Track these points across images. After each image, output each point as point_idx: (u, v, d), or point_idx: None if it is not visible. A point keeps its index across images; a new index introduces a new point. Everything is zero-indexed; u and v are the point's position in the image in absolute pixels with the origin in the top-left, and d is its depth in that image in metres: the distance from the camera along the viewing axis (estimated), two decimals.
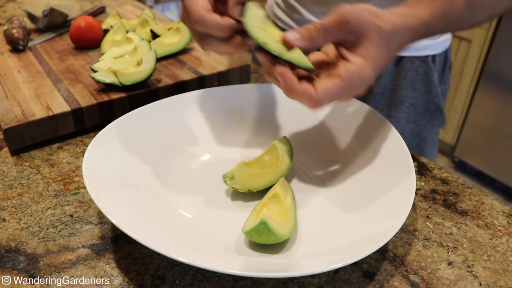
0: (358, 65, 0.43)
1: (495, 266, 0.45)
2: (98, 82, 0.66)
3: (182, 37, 0.83)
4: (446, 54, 0.87)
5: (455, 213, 0.52)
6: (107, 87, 0.68)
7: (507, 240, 0.48)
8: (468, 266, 0.45)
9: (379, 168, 0.51)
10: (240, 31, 0.48)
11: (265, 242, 0.43)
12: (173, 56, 0.82)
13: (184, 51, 0.84)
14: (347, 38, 0.45)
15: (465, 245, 0.47)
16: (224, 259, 0.43)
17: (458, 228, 0.49)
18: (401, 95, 0.84)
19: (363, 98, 0.84)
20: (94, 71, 0.69)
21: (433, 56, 0.84)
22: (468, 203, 0.53)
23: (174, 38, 0.83)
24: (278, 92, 0.65)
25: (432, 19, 0.49)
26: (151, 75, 0.69)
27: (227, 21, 0.47)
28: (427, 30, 0.49)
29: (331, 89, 0.43)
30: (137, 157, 0.53)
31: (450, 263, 0.45)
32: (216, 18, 0.47)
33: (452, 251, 0.46)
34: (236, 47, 0.49)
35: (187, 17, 0.50)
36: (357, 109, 0.59)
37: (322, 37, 0.45)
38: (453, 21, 0.51)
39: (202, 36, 0.49)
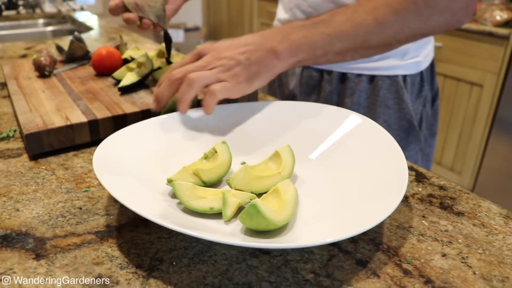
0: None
1: (490, 258, 0.45)
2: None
3: None
4: (421, 76, 0.94)
5: (451, 213, 0.52)
6: None
7: (504, 237, 0.48)
8: (463, 258, 0.45)
9: (373, 160, 0.54)
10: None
11: (256, 227, 0.45)
12: None
13: None
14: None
15: (460, 240, 0.48)
16: (223, 235, 0.45)
17: (454, 226, 0.50)
18: (375, 112, 0.92)
19: None
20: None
21: (404, 76, 0.91)
22: (465, 206, 0.54)
23: None
24: (282, 109, 0.68)
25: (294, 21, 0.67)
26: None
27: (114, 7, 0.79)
28: (288, 25, 0.66)
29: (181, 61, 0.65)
30: (147, 155, 0.57)
31: (444, 255, 0.45)
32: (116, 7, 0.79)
33: (446, 245, 0.47)
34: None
35: None
36: (359, 123, 0.62)
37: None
38: (318, 20, 0.65)
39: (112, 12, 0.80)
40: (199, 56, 0.66)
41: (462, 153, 2.26)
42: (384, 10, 0.64)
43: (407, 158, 0.90)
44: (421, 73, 0.94)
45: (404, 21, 0.65)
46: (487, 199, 0.55)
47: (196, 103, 0.73)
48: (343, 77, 0.94)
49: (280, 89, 1.09)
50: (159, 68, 0.89)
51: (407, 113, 0.92)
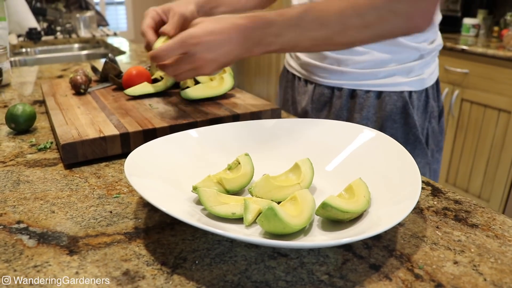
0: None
1: (502, 267, 0.46)
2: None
3: (224, 84, 0.93)
4: (426, 94, 1.00)
5: (465, 225, 0.54)
6: None
7: None
8: (474, 265, 0.46)
9: (387, 170, 0.56)
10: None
11: (273, 230, 0.47)
12: (213, 100, 0.91)
13: (224, 97, 0.93)
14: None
15: (472, 250, 0.49)
16: (245, 234, 0.47)
17: (467, 237, 0.51)
18: (383, 126, 0.98)
19: None
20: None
21: (410, 92, 0.98)
22: (479, 219, 0.55)
23: (216, 85, 0.93)
24: (301, 125, 0.71)
25: (265, 14, 0.73)
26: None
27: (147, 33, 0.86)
28: (265, 20, 0.72)
29: (167, 44, 0.72)
30: (173, 165, 0.60)
31: (456, 262, 0.47)
32: (148, 31, 0.87)
33: (459, 253, 0.48)
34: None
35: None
36: (373, 137, 0.64)
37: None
38: (293, 23, 0.72)
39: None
40: (185, 50, 0.72)
41: (490, 180, 2.23)
42: (349, 13, 0.71)
43: None
44: (426, 90, 1.00)
45: (365, 23, 0.72)
46: None
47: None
48: (353, 93, 1.00)
49: (293, 107, 1.15)
50: (187, 87, 0.94)
51: (413, 127, 0.97)
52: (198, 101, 0.90)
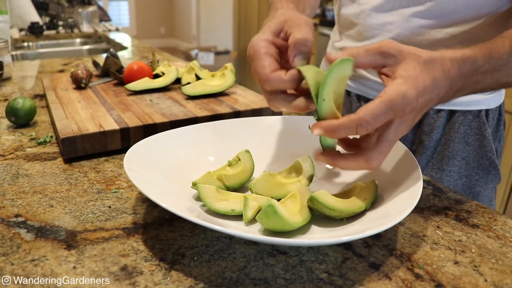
0: (396, 83, 0.46)
1: (502, 268, 0.46)
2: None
3: (225, 81, 0.93)
4: (499, 110, 0.86)
5: (466, 225, 0.53)
6: None
7: None
8: (475, 266, 0.46)
9: (388, 169, 0.56)
10: (305, 93, 0.52)
11: (273, 227, 0.47)
12: (215, 96, 0.91)
13: (225, 94, 0.93)
14: (386, 62, 0.49)
15: (473, 250, 0.49)
16: (244, 231, 0.47)
17: (468, 237, 0.51)
18: (453, 149, 0.84)
19: (415, 152, 0.86)
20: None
21: (487, 111, 0.84)
22: (480, 219, 0.55)
23: (217, 81, 0.93)
24: (302, 123, 0.71)
25: (475, 55, 0.52)
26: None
27: (289, 75, 0.51)
28: (473, 67, 0.52)
29: (372, 108, 0.44)
30: (173, 160, 0.60)
31: (456, 262, 0.46)
32: (280, 75, 0.51)
33: (459, 253, 0.48)
34: (298, 107, 0.52)
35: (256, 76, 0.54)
36: None
37: (363, 57, 0.49)
38: (500, 63, 0.54)
39: (269, 94, 0.53)
40: (392, 117, 0.47)
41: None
42: None
43: (483, 197, 0.86)
44: (500, 106, 0.87)
45: None
46: None
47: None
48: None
49: None
50: (188, 83, 0.94)
51: (488, 150, 0.85)
52: (199, 97, 0.89)
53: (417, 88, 0.47)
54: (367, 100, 0.89)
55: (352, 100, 0.93)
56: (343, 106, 0.51)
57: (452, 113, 0.83)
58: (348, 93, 0.93)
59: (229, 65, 0.96)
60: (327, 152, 0.50)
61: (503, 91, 0.87)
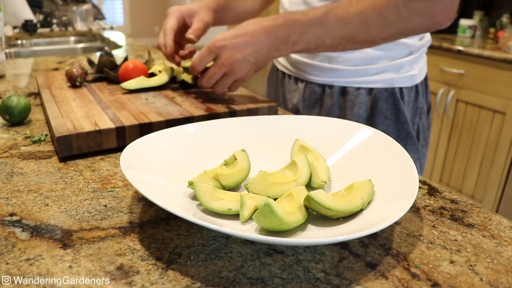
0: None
1: (498, 267, 0.46)
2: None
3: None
4: (416, 89, 1.02)
5: (462, 225, 0.54)
6: None
7: None
8: (471, 265, 0.46)
9: (384, 168, 0.56)
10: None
11: (270, 226, 0.47)
12: (210, 95, 0.90)
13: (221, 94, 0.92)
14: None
15: (469, 250, 0.49)
16: (241, 230, 0.47)
17: (463, 237, 0.51)
18: (374, 122, 0.99)
19: None
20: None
21: (400, 89, 0.99)
22: (475, 218, 0.55)
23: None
24: (298, 122, 0.71)
25: (293, 13, 0.78)
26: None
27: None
28: (289, 19, 0.76)
29: (196, 55, 0.80)
30: (169, 160, 0.60)
31: (452, 262, 0.47)
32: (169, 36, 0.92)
33: (455, 253, 0.48)
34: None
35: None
36: (370, 135, 0.64)
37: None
38: (318, 20, 0.76)
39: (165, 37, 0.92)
40: (214, 54, 0.79)
41: (483, 181, 2.24)
42: (369, 12, 0.76)
43: None
44: (416, 86, 1.02)
45: (386, 22, 0.76)
46: None
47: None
48: (344, 90, 1.00)
49: (284, 104, 1.15)
50: (183, 81, 0.94)
51: (404, 123, 0.99)
52: (195, 92, 0.89)
53: (225, 34, 0.77)
54: (347, 92, 1.01)
55: (334, 92, 1.02)
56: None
57: (370, 90, 0.99)
58: (330, 86, 1.03)
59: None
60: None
61: (417, 74, 1.00)
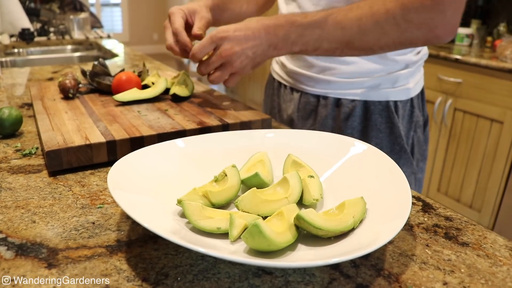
0: None
1: None
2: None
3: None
4: (412, 103, 1.01)
5: (456, 244, 0.53)
6: None
7: (508, 269, 0.48)
8: (464, 287, 0.45)
9: (377, 186, 0.55)
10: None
11: (258, 247, 0.46)
12: (203, 107, 0.90)
13: (215, 105, 0.92)
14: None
15: (462, 270, 0.48)
16: (228, 253, 0.46)
17: (457, 256, 0.50)
18: (368, 135, 0.98)
19: None
20: None
21: (395, 102, 0.98)
22: (470, 237, 0.54)
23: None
24: (290, 136, 0.70)
25: (294, 15, 0.80)
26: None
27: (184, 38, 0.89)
28: (289, 20, 0.79)
29: (200, 43, 0.81)
30: (159, 176, 0.59)
31: (445, 283, 0.46)
32: (183, 33, 0.89)
33: (448, 274, 0.47)
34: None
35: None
36: (364, 151, 0.63)
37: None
38: (317, 23, 0.78)
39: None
40: (215, 44, 0.81)
41: (481, 190, 2.23)
42: (367, 20, 0.76)
43: None
44: (411, 99, 1.01)
45: (383, 30, 0.76)
46: (507, 237, 0.55)
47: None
48: (338, 102, 1.00)
49: (279, 114, 1.14)
50: (175, 94, 0.94)
51: (398, 136, 0.98)
52: (188, 105, 0.89)
53: (228, 26, 0.79)
54: (342, 103, 1.00)
55: (328, 103, 1.01)
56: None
57: (365, 103, 0.98)
58: (325, 97, 1.02)
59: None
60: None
61: (412, 88, 0.99)
